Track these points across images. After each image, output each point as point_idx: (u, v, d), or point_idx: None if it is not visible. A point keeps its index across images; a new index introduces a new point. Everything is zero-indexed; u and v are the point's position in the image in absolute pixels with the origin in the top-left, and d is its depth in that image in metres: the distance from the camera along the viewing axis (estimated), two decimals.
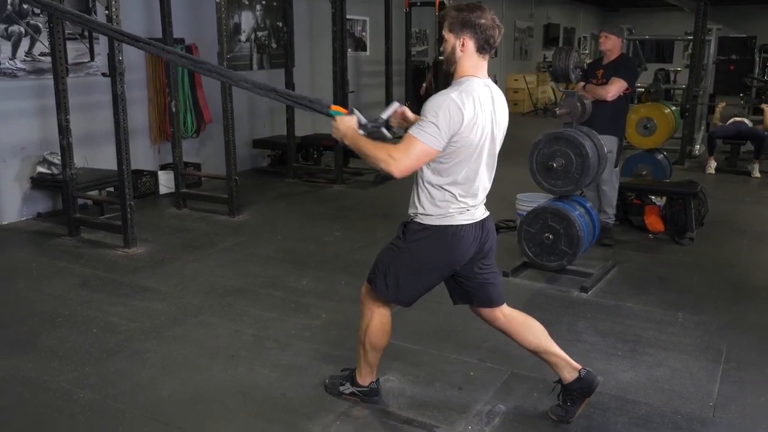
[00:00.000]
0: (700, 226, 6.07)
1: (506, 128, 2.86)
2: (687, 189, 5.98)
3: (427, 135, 2.55)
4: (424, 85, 10.40)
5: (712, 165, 8.88)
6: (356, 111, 2.79)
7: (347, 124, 2.74)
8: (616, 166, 5.66)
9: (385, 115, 2.83)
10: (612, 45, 5.51)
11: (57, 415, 3.05)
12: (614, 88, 5.34)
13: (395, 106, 2.91)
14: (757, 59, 12.92)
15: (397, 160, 2.56)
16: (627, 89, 5.48)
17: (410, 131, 2.59)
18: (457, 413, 3.07)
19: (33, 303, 4.32)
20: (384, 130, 2.79)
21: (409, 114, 2.94)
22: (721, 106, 9.57)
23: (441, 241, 2.75)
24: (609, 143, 5.49)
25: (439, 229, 2.74)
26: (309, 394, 3.22)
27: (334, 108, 2.81)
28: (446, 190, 2.69)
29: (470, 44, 2.65)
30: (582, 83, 5.51)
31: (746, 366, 3.56)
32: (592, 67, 5.69)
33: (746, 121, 9.09)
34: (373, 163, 2.65)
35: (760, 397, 3.26)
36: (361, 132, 2.74)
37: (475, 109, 2.59)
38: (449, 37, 2.68)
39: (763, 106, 9.63)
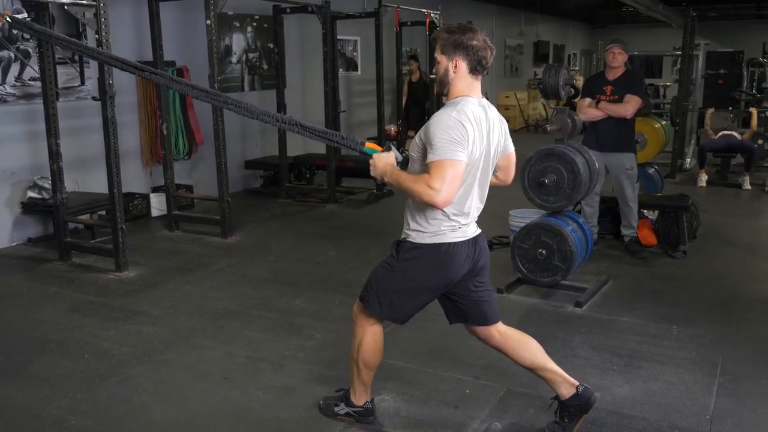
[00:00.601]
0: (693, 239, 6.08)
1: (509, 142, 2.90)
2: (679, 202, 6.00)
3: (451, 151, 2.52)
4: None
5: (703, 178, 8.92)
6: (392, 147, 2.77)
7: (385, 161, 2.71)
8: (637, 182, 5.70)
9: None
10: (623, 60, 5.53)
11: None
12: (633, 106, 5.41)
13: None
14: (745, 73, 12.99)
15: (437, 190, 2.50)
16: (641, 105, 5.52)
17: (431, 157, 2.54)
18: None
19: (23, 329, 4.28)
20: None
21: None
22: (710, 112, 9.63)
23: (434, 259, 2.74)
24: (629, 161, 5.58)
25: (432, 248, 2.73)
26: (303, 416, 3.19)
27: (369, 145, 2.79)
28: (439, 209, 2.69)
29: (463, 65, 2.67)
30: (587, 99, 5.51)
31: (741, 378, 3.55)
32: (597, 82, 5.67)
33: (735, 134, 9.15)
34: (411, 195, 2.62)
35: (756, 409, 3.25)
36: (398, 167, 2.72)
37: (473, 128, 2.60)
38: (441, 59, 2.70)
39: (751, 109, 9.72)
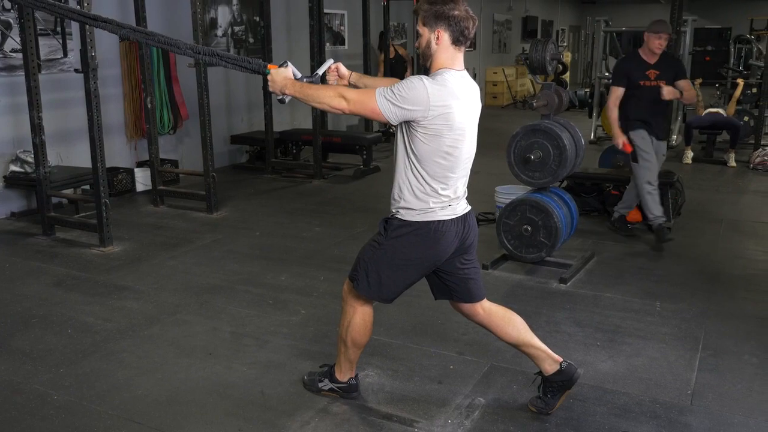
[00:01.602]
0: (678, 216, 6.11)
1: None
2: (663, 179, 6.00)
3: (383, 99, 2.57)
4: None
5: (689, 155, 8.95)
6: (290, 63, 2.81)
7: (283, 75, 2.76)
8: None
9: (320, 71, 2.90)
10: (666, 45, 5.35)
11: (30, 418, 2.99)
12: (694, 89, 5.44)
13: (330, 62, 2.97)
14: (733, 50, 13.01)
15: (348, 100, 2.62)
16: None
17: (377, 90, 2.60)
18: (436, 407, 3.06)
19: (6, 304, 4.25)
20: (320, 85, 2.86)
21: (344, 70, 3.01)
22: (698, 82, 9.63)
23: (423, 237, 2.73)
24: (665, 147, 5.64)
25: (421, 225, 2.71)
26: (287, 391, 3.19)
27: (270, 67, 2.83)
28: (427, 183, 2.67)
29: (445, 37, 2.63)
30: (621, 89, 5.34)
31: (723, 354, 3.59)
32: (636, 66, 5.34)
33: (721, 111, 9.17)
34: (319, 100, 2.68)
35: (737, 384, 3.28)
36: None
37: (448, 101, 2.57)
38: (423, 31, 2.66)
39: (739, 79, 9.74)
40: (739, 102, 9.79)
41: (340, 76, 3.01)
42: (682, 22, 9.99)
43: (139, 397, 3.17)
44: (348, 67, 3.09)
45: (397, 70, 10.56)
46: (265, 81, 2.86)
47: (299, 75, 2.79)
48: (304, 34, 7.97)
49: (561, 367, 2.95)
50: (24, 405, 3.09)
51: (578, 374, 2.98)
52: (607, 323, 3.97)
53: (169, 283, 4.60)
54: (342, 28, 10.86)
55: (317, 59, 7.75)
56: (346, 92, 2.64)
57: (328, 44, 9.84)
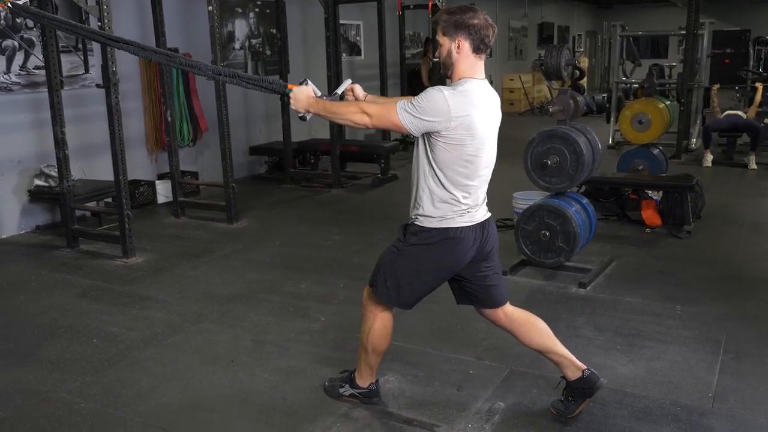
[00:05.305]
0: (698, 219, 6.08)
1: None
2: (683, 182, 5.99)
3: (405, 113, 2.61)
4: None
5: (709, 158, 8.89)
6: (309, 81, 2.85)
7: (305, 93, 2.80)
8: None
9: (340, 90, 2.94)
10: None
11: (58, 426, 3.05)
12: None
13: (348, 82, 3.01)
14: (752, 52, 12.89)
15: (371, 115, 2.68)
16: None
17: (397, 103, 2.65)
18: (456, 412, 3.08)
19: (33, 315, 4.33)
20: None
21: (359, 92, 3.02)
22: (715, 88, 9.55)
23: (440, 243, 2.75)
24: None
25: (439, 232, 2.74)
26: (309, 397, 3.23)
27: (291, 87, 2.87)
28: (447, 190, 2.70)
29: (466, 45, 2.67)
30: None
31: (744, 356, 3.57)
32: None
33: (740, 113, 9.10)
34: (342, 117, 2.75)
35: (758, 387, 3.26)
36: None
37: (469, 110, 2.60)
38: (444, 40, 2.70)
39: (758, 84, 9.65)
40: (759, 104, 9.71)
41: (356, 97, 3.02)
42: (699, 25, 9.97)
43: (164, 404, 3.22)
44: (365, 76, 3.15)
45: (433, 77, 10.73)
46: (285, 99, 2.89)
47: (319, 93, 2.83)
48: (321, 45, 8.04)
49: (583, 374, 2.95)
50: (52, 413, 3.15)
51: (601, 383, 2.97)
52: (627, 327, 3.96)
53: (191, 292, 4.66)
54: (358, 38, 10.93)
55: (334, 70, 7.83)
56: (367, 108, 2.71)
57: (344, 55, 9.91)
